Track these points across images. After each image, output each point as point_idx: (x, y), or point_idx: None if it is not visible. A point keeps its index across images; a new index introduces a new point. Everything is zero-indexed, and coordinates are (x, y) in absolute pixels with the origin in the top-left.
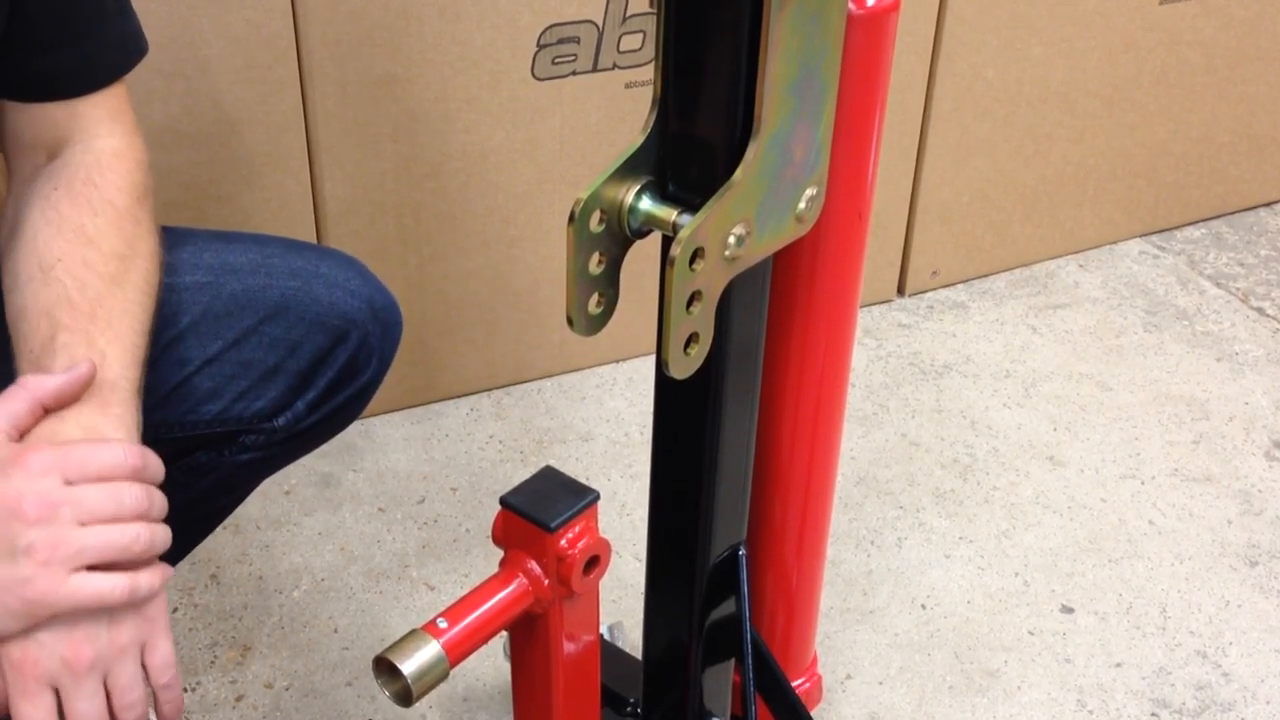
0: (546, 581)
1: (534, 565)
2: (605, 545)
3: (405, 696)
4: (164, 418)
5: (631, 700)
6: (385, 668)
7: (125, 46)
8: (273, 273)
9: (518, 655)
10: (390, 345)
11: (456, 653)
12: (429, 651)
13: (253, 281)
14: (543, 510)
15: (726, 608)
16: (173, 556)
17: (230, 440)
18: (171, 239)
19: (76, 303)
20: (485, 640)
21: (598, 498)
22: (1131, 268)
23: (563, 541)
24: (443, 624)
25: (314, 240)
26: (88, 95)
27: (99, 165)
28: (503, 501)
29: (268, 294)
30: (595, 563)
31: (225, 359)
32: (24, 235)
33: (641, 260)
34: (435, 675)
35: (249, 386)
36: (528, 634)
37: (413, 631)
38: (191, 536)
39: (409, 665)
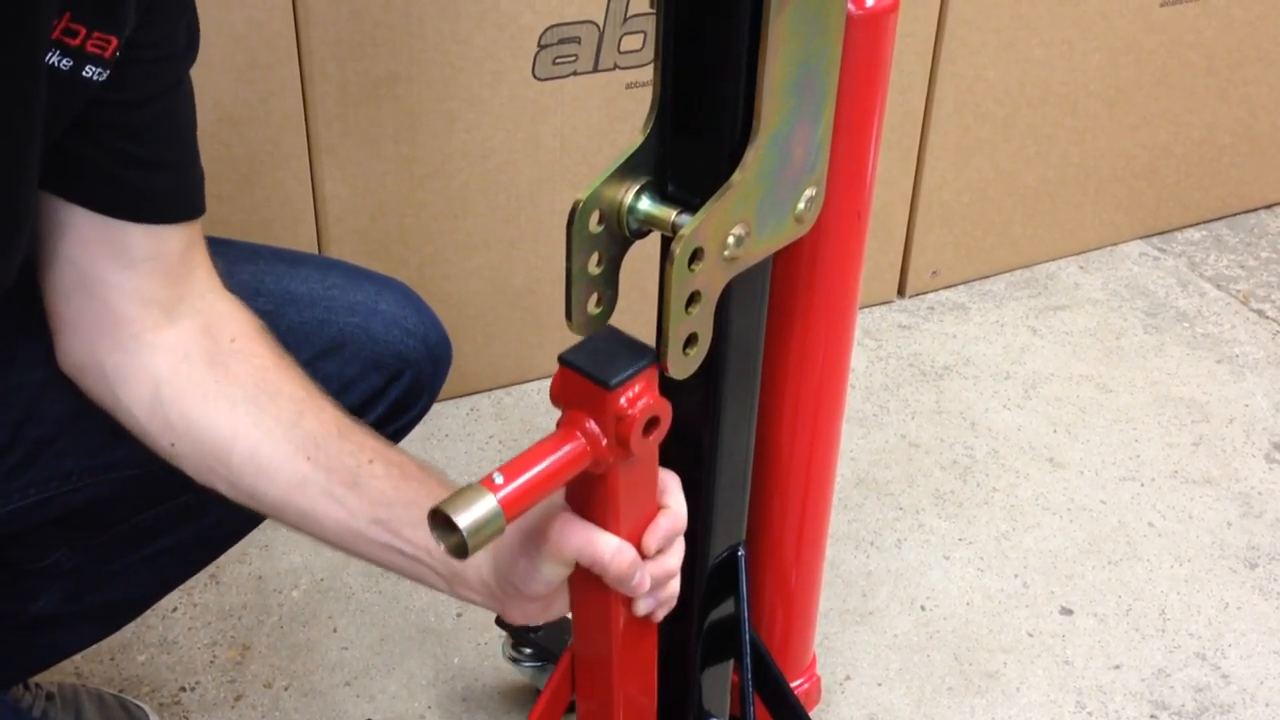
0: (605, 441)
1: (592, 424)
2: (666, 406)
3: (461, 549)
4: None
5: None
6: (441, 520)
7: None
8: (333, 307)
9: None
10: (439, 380)
11: (513, 509)
12: (485, 505)
13: (311, 315)
14: (602, 368)
15: (725, 608)
16: (210, 553)
17: None
18: (234, 255)
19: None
20: (541, 497)
21: (657, 359)
22: (1132, 269)
23: (622, 400)
24: (499, 479)
25: (315, 238)
26: (187, 224)
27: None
28: (561, 359)
29: (326, 329)
30: (655, 424)
31: None
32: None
33: (641, 260)
34: (491, 530)
35: None
36: (585, 499)
37: (469, 485)
38: (222, 549)
39: (465, 518)
